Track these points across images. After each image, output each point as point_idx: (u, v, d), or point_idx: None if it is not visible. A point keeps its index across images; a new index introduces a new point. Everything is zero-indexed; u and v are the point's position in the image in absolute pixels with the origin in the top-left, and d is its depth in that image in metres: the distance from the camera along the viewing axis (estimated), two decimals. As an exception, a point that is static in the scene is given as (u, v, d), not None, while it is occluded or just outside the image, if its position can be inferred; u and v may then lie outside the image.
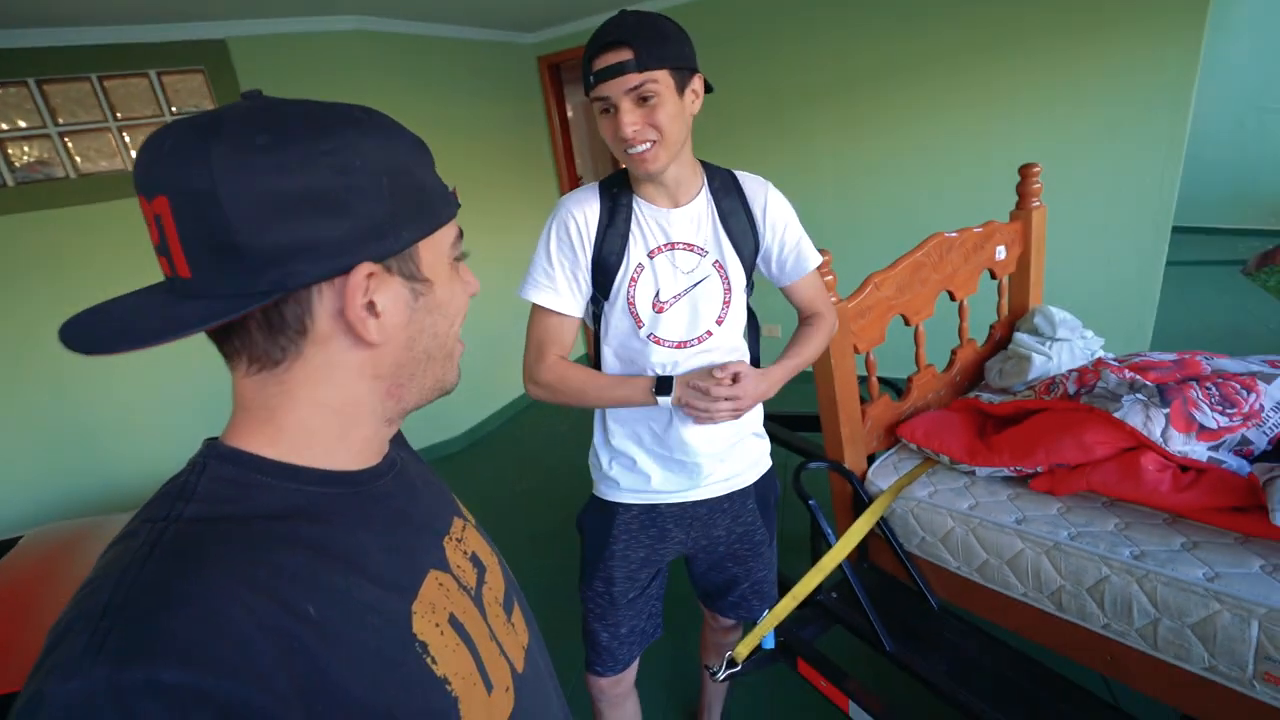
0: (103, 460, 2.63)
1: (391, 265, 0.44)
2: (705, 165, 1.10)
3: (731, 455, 1.18)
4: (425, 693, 0.43)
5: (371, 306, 0.43)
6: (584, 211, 1.04)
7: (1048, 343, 1.70)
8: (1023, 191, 1.79)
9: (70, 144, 2.48)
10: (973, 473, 1.42)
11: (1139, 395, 1.19)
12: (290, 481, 0.44)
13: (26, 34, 2.29)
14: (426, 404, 0.52)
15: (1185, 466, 1.15)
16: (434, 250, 0.47)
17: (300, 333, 0.42)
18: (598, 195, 1.06)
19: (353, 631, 0.40)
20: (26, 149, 2.42)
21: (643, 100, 0.92)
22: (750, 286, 1.15)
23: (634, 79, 0.90)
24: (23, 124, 2.39)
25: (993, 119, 2.77)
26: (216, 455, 0.43)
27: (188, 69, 2.63)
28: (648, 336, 1.07)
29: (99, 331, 0.38)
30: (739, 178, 1.12)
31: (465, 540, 0.58)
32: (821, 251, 1.36)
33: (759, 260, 1.15)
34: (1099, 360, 1.34)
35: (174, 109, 2.64)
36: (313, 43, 2.78)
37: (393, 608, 0.44)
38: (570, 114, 4.15)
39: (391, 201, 0.42)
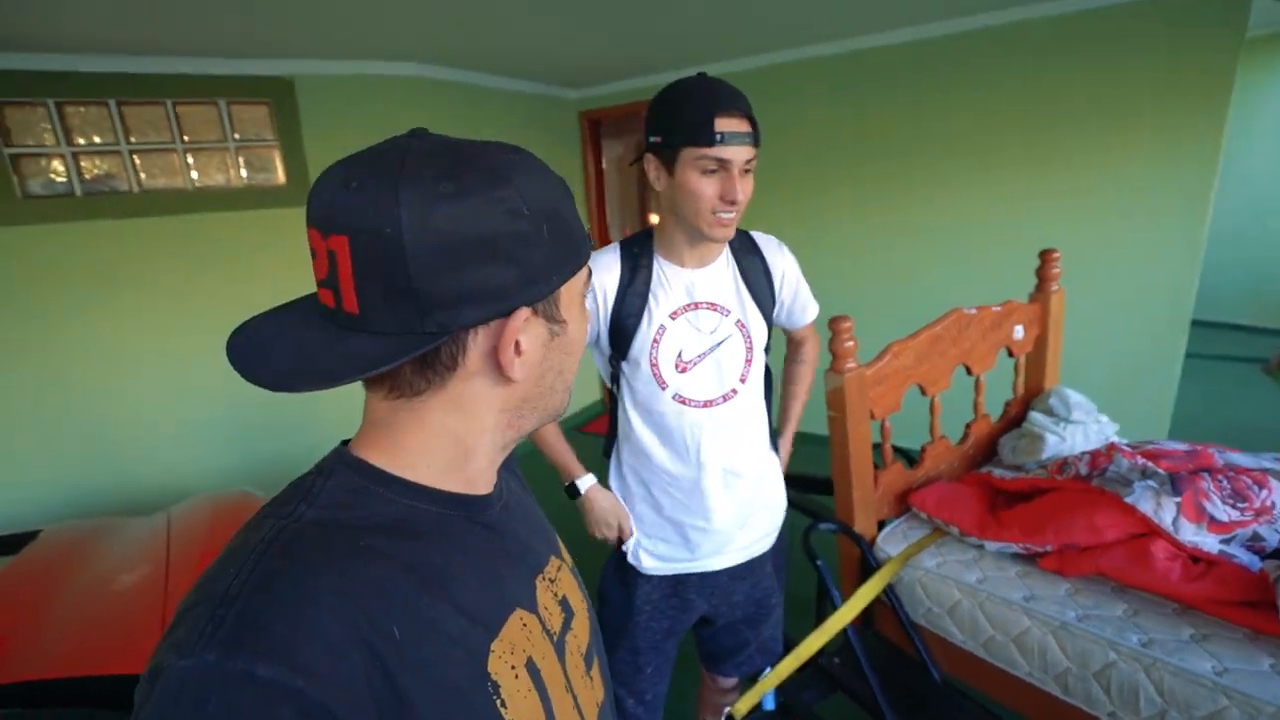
0: (119, 464, 2.68)
1: (539, 307, 0.45)
2: None
3: (752, 522, 1.19)
4: None
5: (517, 346, 0.44)
6: (601, 276, 1.06)
7: (1062, 424, 1.72)
8: (1042, 275, 1.85)
9: (138, 161, 2.64)
10: (982, 546, 1.43)
11: (1150, 482, 1.21)
12: (404, 495, 0.45)
13: (114, 60, 2.47)
14: (537, 428, 0.53)
15: (1196, 558, 1.16)
16: (571, 290, 0.48)
17: (450, 369, 0.44)
18: (619, 257, 1.08)
19: (430, 659, 0.40)
20: (98, 163, 2.58)
21: (746, 172, 0.98)
22: (768, 346, 1.19)
23: (751, 152, 0.97)
24: (98, 140, 2.55)
25: (1017, 202, 2.85)
26: (344, 462, 0.46)
27: (254, 100, 2.81)
28: (673, 397, 1.08)
29: (278, 365, 0.41)
30: (755, 238, 1.17)
31: (558, 582, 0.57)
32: (843, 317, 1.42)
33: (775, 316, 1.20)
34: (1112, 445, 1.36)
35: (237, 135, 2.81)
36: (373, 85, 2.97)
37: (473, 643, 0.44)
38: (605, 166, 4.32)
39: (549, 246, 0.43)
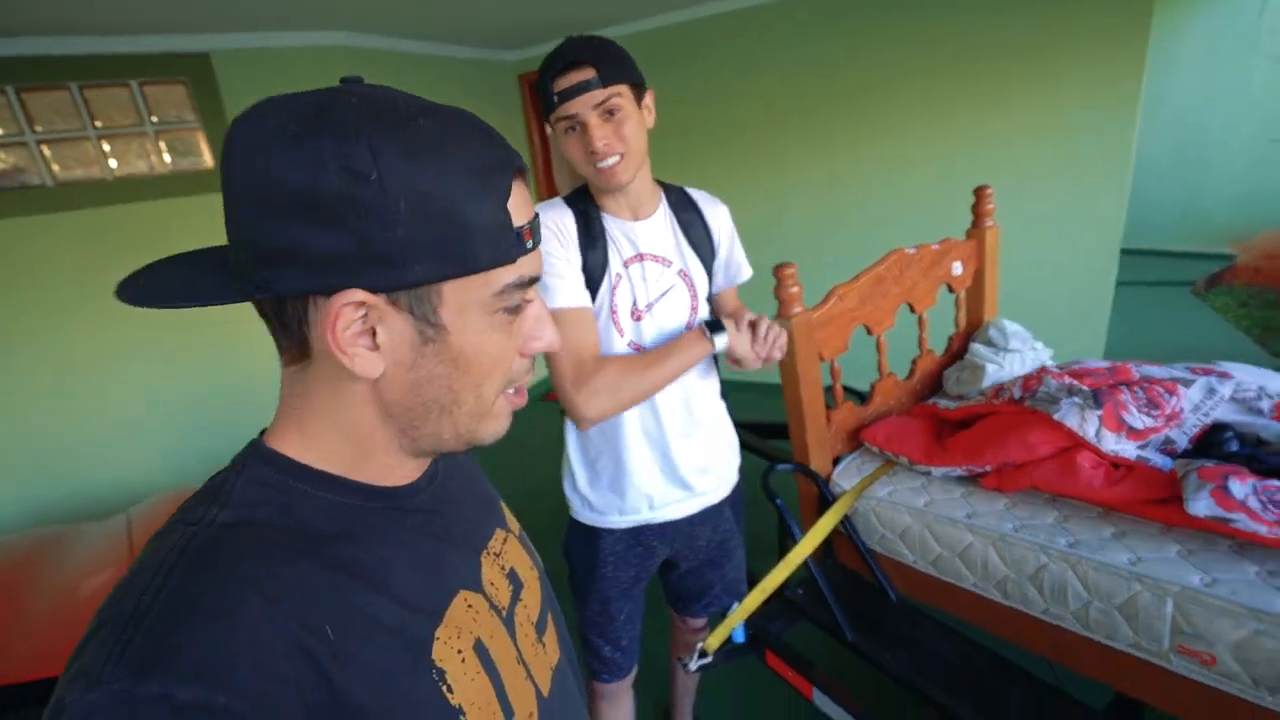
0: (69, 471, 2.60)
1: (400, 299, 0.40)
2: (660, 183, 1.17)
3: (714, 468, 1.24)
4: None
5: (373, 336, 0.40)
6: (562, 222, 1.07)
7: (1000, 353, 1.81)
8: (977, 212, 1.92)
9: (48, 152, 2.49)
10: (929, 473, 1.51)
11: (1075, 399, 1.30)
12: (324, 490, 0.43)
13: (6, 43, 2.30)
14: (457, 451, 0.48)
15: (1117, 465, 1.26)
16: (466, 295, 0.41)
17: (300, 339, 0.41)
18: (569, 208, 1.09)
19: (369, 655, 0.39)
20: (2, 156, 2.42)
21: (608, 115, 0.98)
22: (710, 295, 1.22)
23: (599, 94, 0.96)
24: (0, 131, 2.39)
25: (952, 143, 2.93)
26: (258, 455, 0.43)
27: (170, 80, 2.66)
28: (629, 344, 1.12)
29: (142, 285, 0.40)
30: (691, 193, 1.20)
31: (504, 554, 0.56)
32: (786, 264, 1.45)
33: (714, 268, 1.22)
34: (1042, 368, 1.45)
35: (154, 119, 2.67)
36: (298, 57, 2.83)
37: (413, 633, 0.42)
38: (549, 131, 4.24)
39: (408, 228, 0.37)
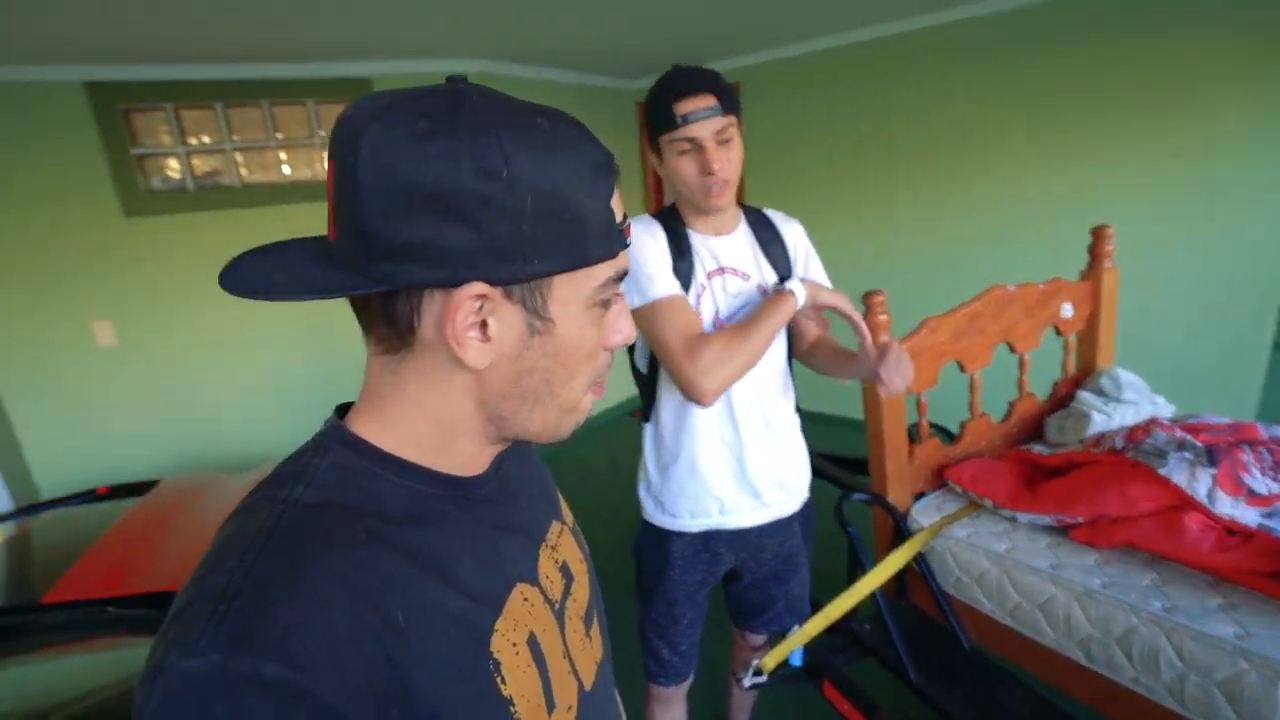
0: (226, 429, 3.03)
1: (514, 292, 0.41)
2: (739, 205, 1.23)
3: (787, 481, 1.26)
4: (489, 711, 0.42)
5: (484, 328, 0.41)
6: (653, 232, 1.15)
7: (1111, 403, 1.69)
8: (1094, 253, 1.81)
9: (240, 158, 2.94)
10: (1014, 519, 1.44)
11: (1185, 454, 1.20)
12: (401, 477, 0.44)
13: (219, 68, 2.77)
14: (538, 442, 0.49)
15: (1232, 530, 1.15)
16: (572, 288, 0.43)
17: (409, 331, 0.41)
18: (659, 223, 1.16)
19: (434, 642, 0.39)
20: (207, 160, 2.90)
21: (723, 141, 1.06)
22: None
23: (720, 121, 1.04)
24: (207, 139, 2.87)
25: (1069, 181, 2.74)
26: (340, 439, 0.44)
27: (338, 100, 3.07)
28: None
29: (250, 277, 0.40)
30: (768, 213, 1.25)
31: (559, 548, 0.57)
32: (875, 291, 1.46)
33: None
34: (1152, 419, 1.35)
35: (322, 132, 3.08)
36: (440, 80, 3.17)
37: (476, 624, 0.43)
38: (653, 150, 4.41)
39: (532, 224, 0.39)
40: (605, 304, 0.46)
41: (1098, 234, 1.78)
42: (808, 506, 1.33)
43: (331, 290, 0.39)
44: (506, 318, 0.41)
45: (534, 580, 0.50)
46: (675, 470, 1.25)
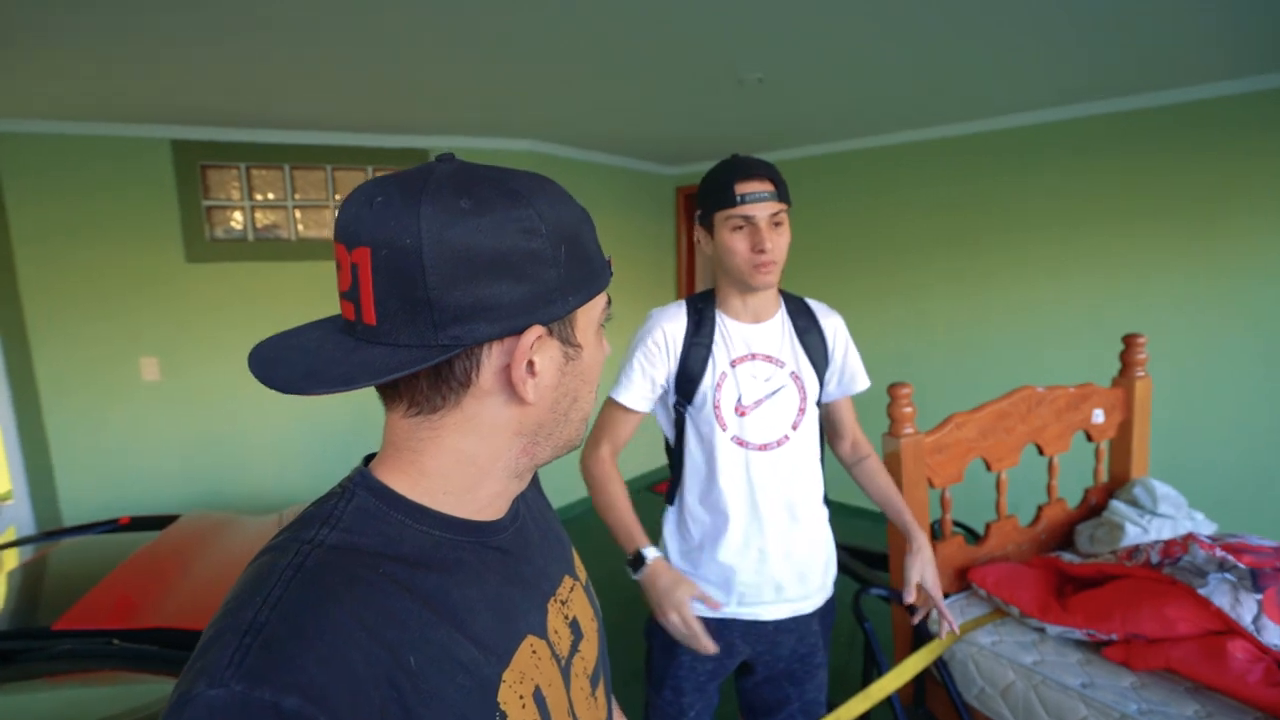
0: (251, 473, 3.08)
1: (553, 328, 0.45)
2: (781, 292, 1.27)
3: (809, 576, 1.23)
4: None
5: (531, 367, 0.45)
6: (671, 325, 1.18)
7: (1146, 515, 1.63)
8: (1126, 360, 1.80)
9: (298, 215, 3.14)
10: (1043, 630, 1.37)
11: (1228, 575, 1.15)
12: (421, 523, 0.45)
13: (288, 134, 3.02)
14: (553, 460, 0.53)
15: (1280, 663, 1.08)
16: (589, 315, 0.49)
17: (464, 385, 0.44)
18: (684, 310, 1.20)
19: (443, 689, 0.41)
20: (268, 215, 3.10)
21: (775, 226, 1.12)
22: (820, 400, 1.26)
23: (775, 206, 1.11)
24: (271, 196, 3.08)
25: (1116, 283, 2.74)
26: (365, 486, 0.46)
27: (393, 167, 3.29)
28: (732, 439, 1.18)
29: (291, 371, 0.42)
30: (809, 303, 1.28)
31: (570, 603, 0.57)
32: (901, 383, 1.47)
33: (826, 376, 1.26)
34: (1189, 535, 1.30)
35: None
36: (492, 157, 3.39)
37: (484, 672, 0.44)
38: (697, 239, 4.57)
39: (565, 268, 0.44)
40: (603, 324, 0.52)
41: (1129, 342, 1.78)
42: (829, 605, 1.28)
43: (406, 365, 0.41)
44: (548, 352, 0.46)
45: (543, 634, 0.51)
46: (696, 557, 1.23)
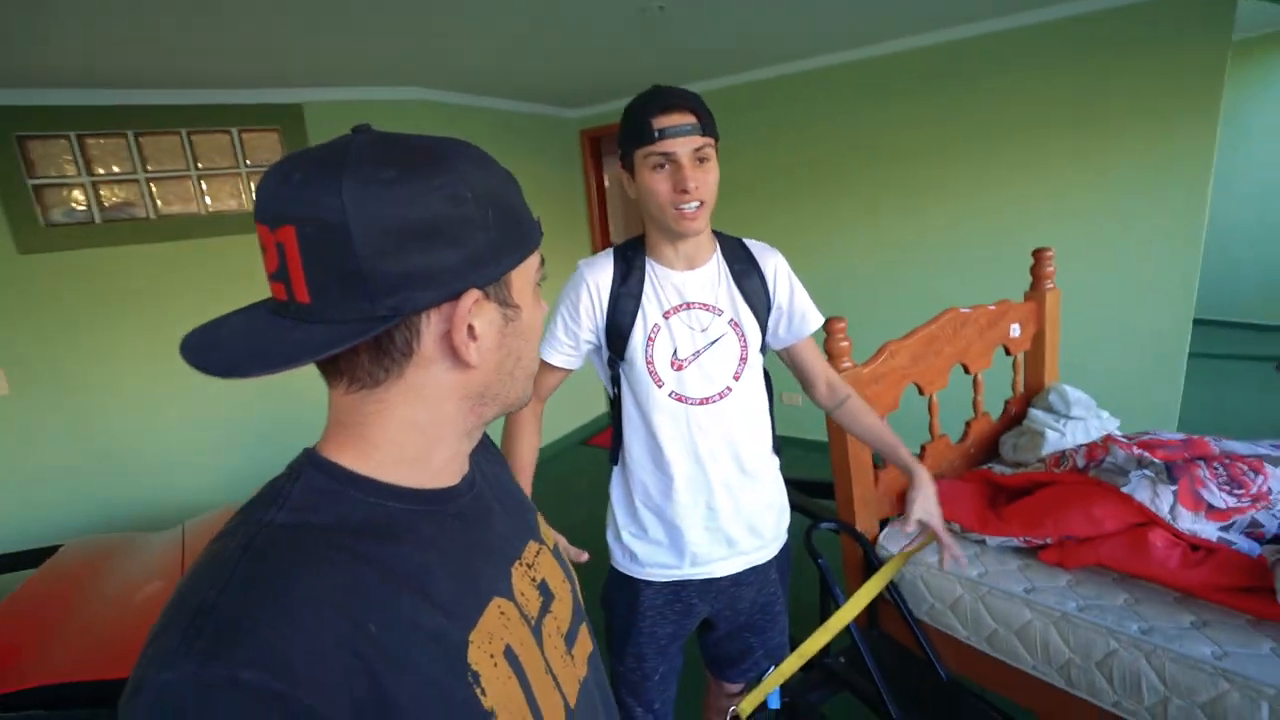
0: (137, 481, 2.74)
1: (489, 291, 0.46)
2: (716, 234, 1.18)
3: (761, 526, 1.20)
4: None
5: (471, 330, 0.45)
6: (596, 277, 1.11)
7: (1062, 420, 1.73)
8: (1036, 274, 1.87)
9: (154, 188, 2.73)
10: (983, 542, 1.43)
11: (1147, 471, 1.22)
12: (374, 496, 0.45)
13: (131, 94, 2.58)
14: (500, 416, 0.53)
15: (1195, 546, 1.17)
16: (523, 276, 0.49)
17: (406, 355, 0.44)
18: (612, 260, 1.13)
19: (409, 654, 0.41)
20: (117, 191, 2.67)
21: (699, 162, 1.01)
22: (764, 347, 1.21)
23: (698, 140, 1.00)
24: (116, 169, 2.65)
25: (1012, 206, 2.88)
26: (312, 464, 0.46)
27: (265, 128, 2.91)
28: (669, 395, 1.11)
29: (228, 356, 0.41)
30: (747, 244, 1.20)
31: (536, 566, 0.58)
32: (837, 318, 1.44)
33: (770, 320, 1.20)
34: (1108, 436, 1.38)
35: (248, 161, 2.90)
36: (378, 109, 3.06)
37: (450, 635, 0.44)
38: (607, 184, 4.39)
39: (495, 230, 0.45)
40: (539, 283, 0.52)
41: (1038, 255, 1.84)
42: (785, 549, 1.27)
43: (345, 339, 0.41)
44: (487, 315, 0.46)
45: (510, 596, 0.52)
46: (643, 517, 1.18)
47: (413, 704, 0.39)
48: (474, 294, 0.44)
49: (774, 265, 1.18)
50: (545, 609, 0.56)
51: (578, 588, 0.64)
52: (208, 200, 2.85)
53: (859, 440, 1.30)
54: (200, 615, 0.35)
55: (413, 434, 0.47)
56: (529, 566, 0.57)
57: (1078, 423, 1.72)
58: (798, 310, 1.19)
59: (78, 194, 2.60)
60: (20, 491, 2.51)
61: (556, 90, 3.50)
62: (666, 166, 1.02)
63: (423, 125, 3.17)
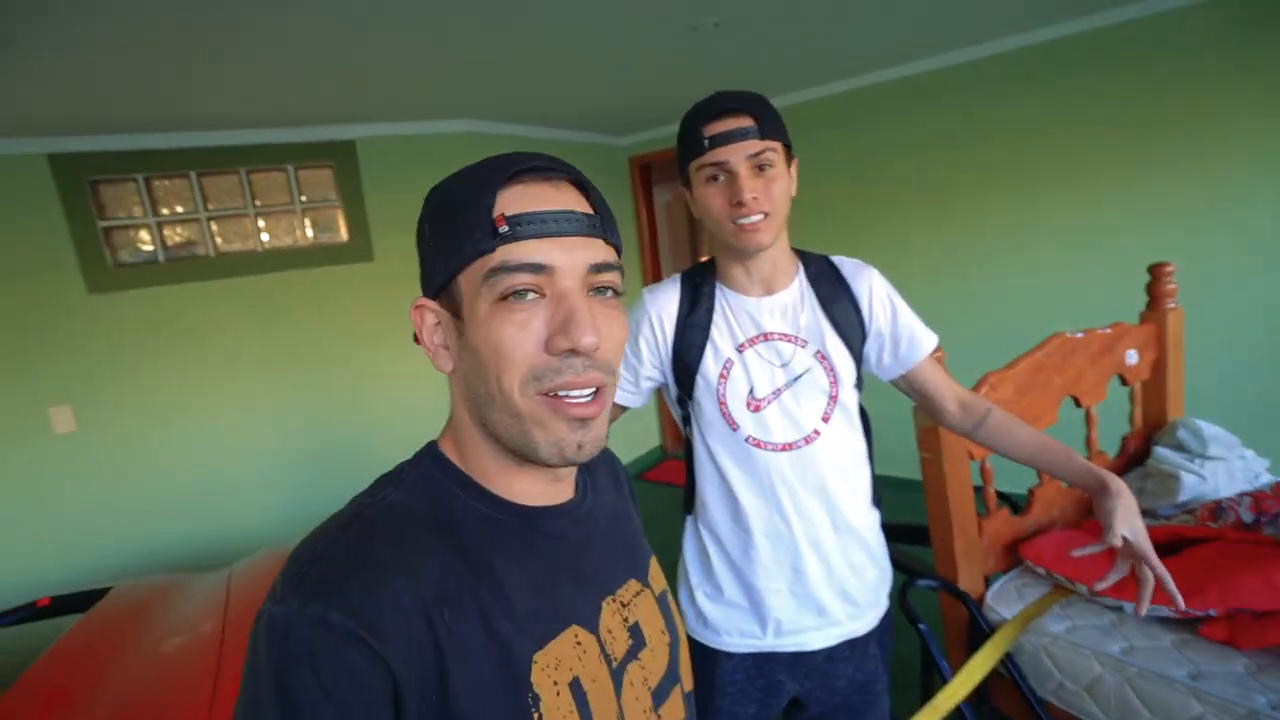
0: (199, 523, 2.74)
1: (443, 299, 0.48)
2: (799, 252, 1.04)
3: (857, 593, 1.01)
4: None
5: (427, 334, 0.50)
6: (659, 307, 1.00)
7: (1197, 460, 1.49)
8: (1154, 292, 1.65)
9: (215, 227, 2.78)
10: (1120, 608, 1.21)
11: (1342, 531, 0.99)
12: (469, 496, 0.49)
13: (192, 136, 2.64)
14: (543, 466, 0.48)
15: None
16: (469, 286, 0.46)
17: (430, 353, 0.51)
18: (678, 287, 1.01)
19: (474, 651, 0.43)
20: (180, 231, 2.73)
21: (759, 170, 0.89)
22: (861, 382, 1.04)
23: (755, 145, 0.87)
24: (180, 209, 2.71)
25: (1129, 213, 2.56)
26: (431, 455, 0.51)
27: (319, 164, 2.94)
28: (746, 440, 0.96)
29: None
30: (836, 262, 1.04)
31: (633, 607, 0.55)
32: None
33: (866, 350, 1.04)
34: (1278, 484, 1.14)
35: (304, 198, 2.94)
36: (428, 143, 3.07)
37: (516, 649, 0.44)
38: (655, 210, 4.32)
39: (433, 242, 0.48)
40: (517, 297, 0.45)
41: (1157, 271, 1.63)
42: (886, 618, 1.08)
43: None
44: (447, 324, 0.49)
45: (592, 629, 0.50)
46: (719, 578, 1.03)
47: (467, 698, 0.41)
48: (421, 300, 0.49)
49: (869, 285, 1.02)
50: (633, 654, 0.53)
51: (682, 647, 0.61)
52: (265, 237, 2.88)
53: (1017, 460, 1.02)
54: (309, 564, 0.41)
55: (468, 438, 0.50)
56: (623, 605, 0.54)
57: (1218, 463, 1.47)
58: (903, 334, 1.02)
59: (144, 234, 2.66)
60: (78, 530, 2.53)
61: (605, 117, 3.46)
62: (721, 178, 0.90)
63: (469, 157, 3.10)
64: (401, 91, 2.50)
